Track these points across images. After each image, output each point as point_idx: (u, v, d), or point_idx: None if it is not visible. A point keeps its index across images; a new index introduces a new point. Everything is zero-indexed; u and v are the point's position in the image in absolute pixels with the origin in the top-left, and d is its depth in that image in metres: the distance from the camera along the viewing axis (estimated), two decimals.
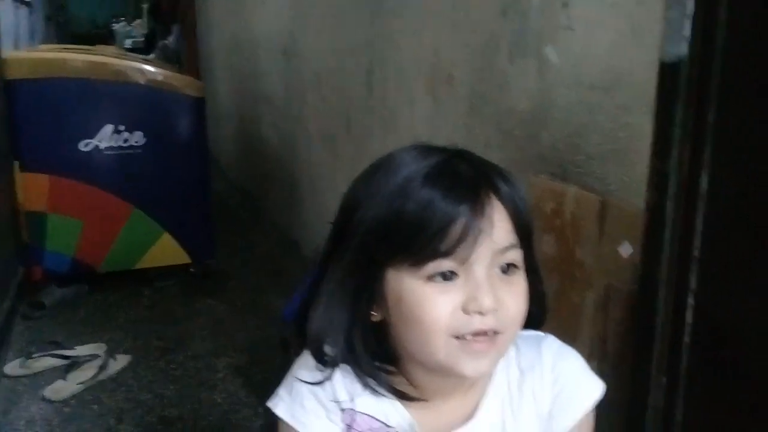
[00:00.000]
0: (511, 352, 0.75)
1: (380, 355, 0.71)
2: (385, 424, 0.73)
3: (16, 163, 2.57)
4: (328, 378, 0.73)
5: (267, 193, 3.63)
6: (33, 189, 2.60)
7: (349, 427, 0.74)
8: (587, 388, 0.76)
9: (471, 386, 0.74)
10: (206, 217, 2.91)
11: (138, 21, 8.22)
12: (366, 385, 0.73)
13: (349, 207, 0.70)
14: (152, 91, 2.70)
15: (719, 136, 0.89)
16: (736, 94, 0.87)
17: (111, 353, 2.30)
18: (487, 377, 0.74)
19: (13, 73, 2.54)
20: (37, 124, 2.57)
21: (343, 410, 0.74)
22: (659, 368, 1.03)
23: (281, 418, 0.76)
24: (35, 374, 2.21)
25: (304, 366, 0.75)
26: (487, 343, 0.65)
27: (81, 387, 2.12)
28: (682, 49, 0.86)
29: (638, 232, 1.04)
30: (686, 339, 1.00)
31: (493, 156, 1.53)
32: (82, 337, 2.45)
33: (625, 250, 1.12)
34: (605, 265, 1.16)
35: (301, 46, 2.82)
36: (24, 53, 3.05)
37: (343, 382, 0.74)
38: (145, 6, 7.30)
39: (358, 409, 0.74)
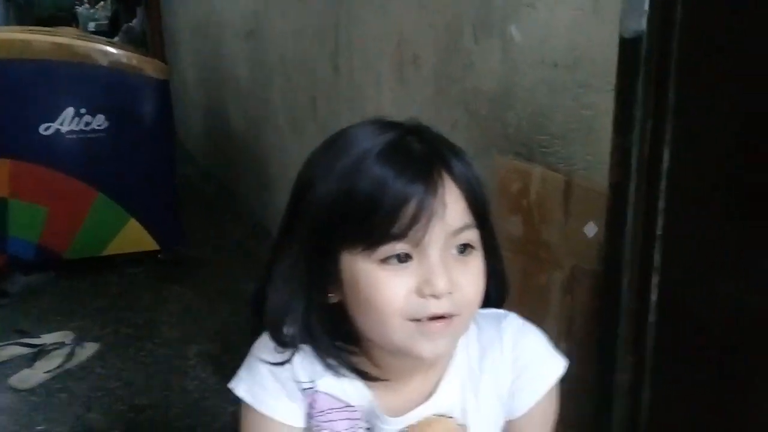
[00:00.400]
0: (472, 330, 0.75)
1: (341, 336, 0.70)
2: (347, 404, 0.73)
3: None
4: (288, 360, 0.72)
5: (236, 177, 3.59)
6: None
7: (310, 406, 0.74)
8: (549, 365, 0.76)
9: (432, 365, 0.73)
10: (173, 202, 2.86)
11: (101, 3, 8.03)
12: (327, 366, 0.72)
13: (302, 185, 0.68)
14: (114, 73, 2.63)
15: (680, 112, 0.89)
16: (696, 69, 0.87)
17: (79, 341, 2.26)
18: (447, 356, 0.74)
19: None
20: None
21: (303, 390, 0.74)
22: (626, 347, 1.04)
23: (242, 398, 0.75)
24: (1, 363, 2.16)
25: (265, 346, 0.74)
26: (444, 325, 0.65)
27: (48, 375, 2.09)
28: (642, 24, 0.86)
29: (603, 212, 1.04)
30: (651, 318, 1.00)
31: (460, 136, 1.53)
32: (48, 325, 2.40)
33: (590, 229, 1.12)
34: (571, 246, 1.16)
35: (266, 28, 2.78)
36: None
37: (303, 363, 0.73)
38: None
39: (319, 389, 0.73)
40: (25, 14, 7.78)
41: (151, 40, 5.05)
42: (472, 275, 0.66)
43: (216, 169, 4.08)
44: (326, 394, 0.73)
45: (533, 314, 1.24)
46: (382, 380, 0.72)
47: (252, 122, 3.17)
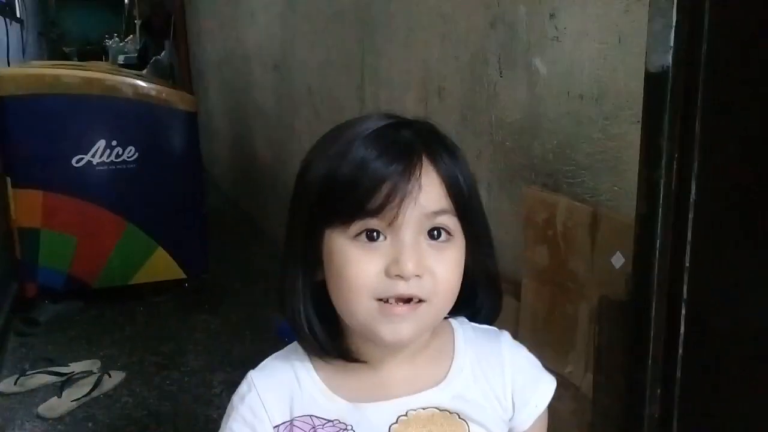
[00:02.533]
0: (471, 338, 0.76)
1: (325, 318, 0.71)
2: (326, 420, 0.72)
3: (8, 179, 2.56)
4: (255, 391, 0.73)
5: (262, 207, 3.63)
6: (25, 205, 2.59)
7: None
8: (545, 381, 0.77)
9: (419, 356, 0.72)
10: (200, 231, 2.90)
11: (131, 37, 8.23)
12: (306, 361, 0.72)
13: (302, 168, 0.71)
14: (144, 105, 2.70)
15: (707, 145, 0.90)
16: (722, 102, 0.88)
17: (106, 370, 2.28)
18: (448, 356, 0.74)
19: (5, 89, 2.54)
20: (29, 140, 2.57)
21: (276, 428, 0.72)
22: (654, 379, 1.03)
23: None
24: (29, 391, 2.19)
25: (244, 386, 0.75)
26: (407, 309, 0.64)
27: (75, 404, 2.11)
28: (667, 59, 0.87)
29: (630, 243, 1.04)
30: (680, 349, 1.00)
31: (485, 166, 1.54)
32: (76, 353, 2.43)
33: (618, 260, 1.12)
34: (598, 276, 1.16)
35: (292, 59, 2.83)
36: (16, 69, 3.05)
37: (275, 395, 0.73)
38: (137, 22, 7.31)
39: (295, 414, 0.72)
40: (57, 47, 8.02)
41: (178, 73, 5.16)
42: (446, 262, 0.66)
43: (241, 198, 4.13)
44: (303, 416, 0.72)
45: (560, 344, 1.25)
46: (363, 361, 0.71)
47: (278, 152, 3.21)
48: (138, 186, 2.71)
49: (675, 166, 0.92)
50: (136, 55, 6.88)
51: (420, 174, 0.64)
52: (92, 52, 7.34)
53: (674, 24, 0.89)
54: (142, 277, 2.81)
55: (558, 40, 1.23)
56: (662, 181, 0.92)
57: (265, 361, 0.77)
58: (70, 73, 2.74)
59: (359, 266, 0.64)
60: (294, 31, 2.79)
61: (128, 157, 2.68)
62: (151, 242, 2.77)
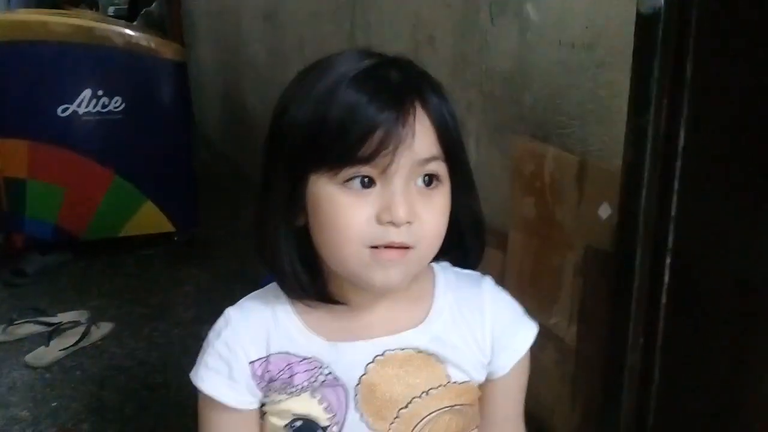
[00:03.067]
0: (452, 282, 0.76)
1: (306, 262, 0.70)
2: (302, 357, 0.72)
3: None
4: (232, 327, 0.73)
5: (252, 160, 3.60)
6: (11, 155, 2.55)
7: (261, 377, 0.73)
8: (526, 327, 0.78)
9: (401, 299, 0.72)
10: (190, 184, 2.87)
11: None
12: (285, 302, 0.72)
13: (279, 108, 0.69)
14: (131, 55, 2.64)
15: (697, 90, 0.88)
16: (714, 47, 0.85)
17: (94, 320, 2.28)
18: (428, 298, 0.74)
19: None
20: (14, 88, 2.51)
21: (252, 363, 0.73)
22: (637, 329, 1.03)
23: (191, 377, 0.77)
24: (17, 340, 2.19)
25: (221, 321, 0.76)
26: (398, 255, 0.64)
27: (63, 353, 2.11)
28: (659, 0, 0.84)
29: (618, 194, 1.03)
30: (663, 299, 0.99)
31: (475, 118, 1.52)
32: (65, 304, 2.43)
33: (604, 211, 1.11)
34: (585, 227, 1.15)
35: (283, 10, 2.77)
36: (1, 16, 2.98)
37: (251, 330, 0.73)
38: None
39: (271, 351, 0.72)
40: None
41: (169, 25, 5.05)
42: (434, 209, 0.66)
43: (232, 152, 4.09)
44: (279, 353, 0.72)
45: (546, 295, 1.24)
46: (343, 303, 0.71)
47: (269, 105, 3.15)
48: (125, 138, 2.67)
49: (664, 112, 0.90)
50: (126, 6, 6.73)
51: (413, 119, 0.63)
52: (81, 2, 7.17)
53: None
54: (130, 229, 2.79)
55: None
56: (650, 128, 0.91)
57: (242, 299, 0.77)
58: (55, 20, 2.67)
59: (350, 213, 0.63)
60: None
61: (114, 108, 2.63)
62: (140, 195, 2.74)
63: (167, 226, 2.83)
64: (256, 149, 2.99)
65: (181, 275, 2.70)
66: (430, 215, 0.65)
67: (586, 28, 1.13)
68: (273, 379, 0.72)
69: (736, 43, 0.85)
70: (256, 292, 0.78)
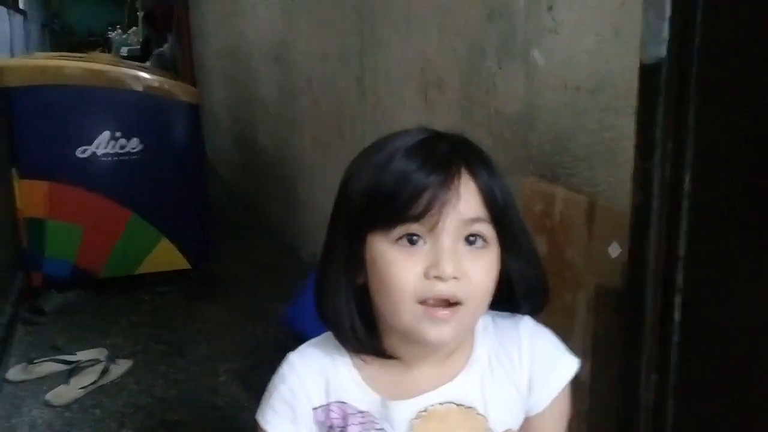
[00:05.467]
0: (490, 327, 0.79)
1: (364, 319, 0.75)
2: (358, 410, 0.76)
3: (14, 170, 2.59)
4: (300, 377, 0.77)
5: (264, 198, 3.65)
6: (31, 195, 2.61)
7: (322, 424, 0.77)
8: (564, 363, 0.81)
9: (448, 356, 0.76)
10: (204, 222, 2.93)
11: (133, 29, 8.23)
12: (346, 351, 0.76)
13: (344, 180, 0.75)
14: (148, 97, 2.72)
15: (700, 136, 0.91)
16: (715, 94, 0.89)
17: (112, 358, 2.31)
18: (467, 348, 0.77)
19: (10, 81, 2.56)
20: (34, 130, 2.59)
21: (315, 410, 0.77)
22: (649, 366, 1.05)
23: (256, 419, 0.80)
24: (37, 379, 2.22)
25: (286, 366, 0.79)
26: (449, 312, 0.68)
27: (83, 392, 2.14)
28: (661, 50, 0.88)
29: (626, 232, 1.06)
30: (675, 337, 1.01)
31: None
32: (83, 342, 2.46)
33: (614, 250, 1.14)
34: (595, 266, 1.18)
35: (293, 52, 2.84)
36: (20, 60, 3.07)
37: (315, 379, 0.77)
38: (140, 14, 7.31)
39: (331, 399, 0.76)
40: (60, 39, 8.03)
41: (181, 65, 5.17)
42: (481, 267, 0.70)
43: (243, 190, 4.15)
44: (337, 402, 0.76)
45: (558, 333, 1.26)
46: (397, 359, 0.75)
47: (280, 144, 3.23)
48: (142, 177, 2.74)
49: (669, 157, 0.94)
50: (139, 47, 6.89)
51: (458, 183, 0.68)
52: (95, 44, 7.34)
53: (668, 16, 0.90)
54: (147, 267, 2.84)
55: (556, 32, 1.24)
56: (656, 172, 0.94)
57: (303, 345, 0.81)
58: (73, 64, 2.76)
59: (401, 268, 0.68)
60: (294, 23, 2.80)
61: (132, 149, 2.70)
62: (156, 233, 2.80)
63: (183, 263, 2.88)
64: (267, 186, 3.05)
65: (196, 312, 2.73)
66: (476, 273, 0.70)
67: (591, 73, 1.17)
68: (332, 426, 0.76)
69: (736, 90, 0.88)
70: (315, 339, 0.81)
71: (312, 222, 2.75)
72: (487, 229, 0.70)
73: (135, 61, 4.73)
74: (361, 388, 0.76)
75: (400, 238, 0.68)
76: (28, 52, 4.32)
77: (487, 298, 0.72)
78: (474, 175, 0.70)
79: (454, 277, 0.68)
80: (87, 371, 2.23)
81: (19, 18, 4.33)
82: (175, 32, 5.25)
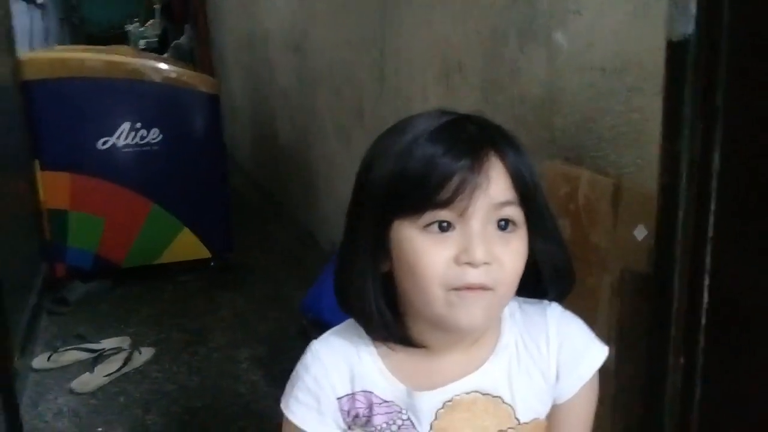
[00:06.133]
0: (516, 314, 0.78)
1: (389, 306, 0.74)
2: (383, 400, 0.75)
3: (37, 162, 2.62)
4: (324, 367, 0.76)
5: (284, 186, 3.66)
6: (54, 187, 2.64)
7: (348, 413, 0.76)
8: (593, 350, 0.80)
9: (474, 342, 0.75)
10: (224, 211, 2.95)
11: (151, 21, 8.26)
12: (372, 339, 0.75)
13: (364, 167, 0.73)
14: (167, 88, 2.73)
15: (729, 115, 0.89)
16: (744, 72, 0.87)
17: (136, 346, 2.34)
18: (494, 336, 0.76)
19: (30, 74, 2.58)
20: (55, 123, 2.61)
21: (339, 399, 0.76)
22: (677, 350, 1.03)
23: (281, 408, 0.79)
24: (62, 368, 2.25)
25: (309, 356, 0.78)
26: (479, 294, 0.67)
27: (107, 379, 2.17)
28: (689, 27, 0.87)
29: (653, 215, 1.04)
30: (703, 320, 1.00)
31: None
32: (107, 331, 2.50)
33: (640, 233, 1.12)
34: (621, 249, 1.16)
35: (312, 40, 2.83)
36: (40, 54, 3.09)
37: (339, 368, 0.76)
38: (157, 6, 7.34)
39: (356, 389, 0.76)
40: (79, 33, 8.08)
41: (199, 56, 5.18)
42: (511, 252, 0.69)
43: (264, 179, 4.16)
44: (362, 392, 0.76)
45: (583, 317, 1.25)
46: (424, 347, 0.74)
47: (299, 132, 3.23)
48: (163, 167, 2.76)
49: (697, 137, 0.92)
50: (156, 39, 6.92)
51: (488, 166, 0.67)
52: (113, 36, 7.38)
53: None
54: (168, 256, 2.86)
55: (579, 13, 1.22)
56: (684, 152, 0.92)
57: (326, 333, 0.80)
58: (93, 57, 2.77)
59: (430, 255, 0.67)
60: (313, 10, 2.79)
61: (153, 139, 2.72)
62: (177, 222, 2.82)
63: (204, 253, 2.90)
64: (286, 176, 3.05)
65: (217, 300, 2.75)
66: (508, 257, 0.68)
67: (616, 53, 1.15)
68: (357, 415, 0.76)
69: (766, 67, 0.86)
70: (338, 327, 0.80)
71: (331, 210, 2.75)
72: (516, 212, 0.69)
73: (153, 53, 4.76)
74: (386, 378, 0.75)
75: (429, 224, 0.67)
76: (48, 46, 4.36)
77: (515, 284, 0.71)
78: (502, 157, 0.68)
79: (486, 263, 0.66)
80: (111, 359, 2.26)
81: (37, 12, 4.36)
82: (193, 24, 5.26)
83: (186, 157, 2.78)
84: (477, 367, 0.75)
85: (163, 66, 2.83)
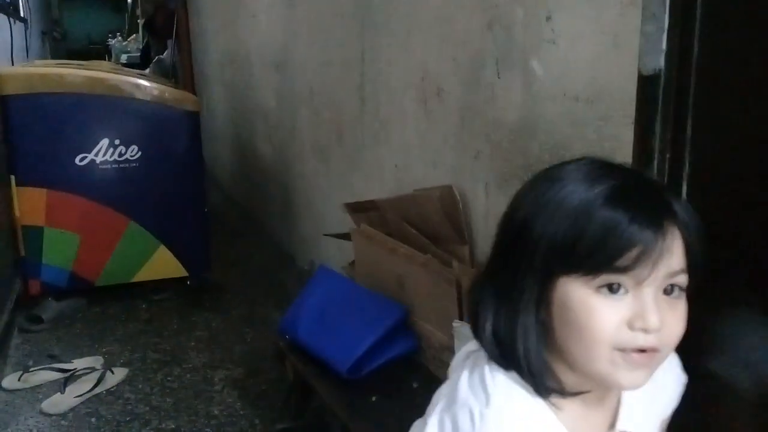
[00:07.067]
0: None
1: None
2: None
3: (13, 178, 2.59)
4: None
5: (262, 206, 3.65)
6: (29, 203, 2.62)
7: None
8: (682, 383, 0.84)
9: (607, 392, 0.76)
10: (202, 230, 2.93)
11: (133, 36, 8.25)
12: (532, 393, 0.72)
13: (522, 220, 0.71)
14: (147, 105, 2.73)
15: (698, 146, 0.92)
16: (713, 104, 0.90)
17: (108, 366, 2.31)
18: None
19: (9, 89, 2.56)
20: (33, 138, 2.59)
21: None
22: None
23: None
24: (33, 388, 2.22)
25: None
26: (647, 358, 0.68)
27: (79, 400, 2.13)
28: (660, 61, 0.89)
29: None
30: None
31: (483, 166, 1.56)
32: (79, 350, 2.46)
33: None
34: None
35: (293, 60, 2.85)
36: (20, 68, 3.07)
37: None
38: (140, 21, 7.34)
39: None
40: (60, 47, 8.05)
41: (181, 72, 5.18)
42: (678, 317, 0.69)
43: (242, 197, 4.15)
44: None
45: None
46: (581, 393, 0.73)
47: (279, 152, 3.23)
48: (141, 185, 2.74)
49: (666, 167, 0.94)
50: (138, 54, 6.91)
51: (672, 238, 0.67)
52: (95, 51, 7.36)
53: (666, 27, 0.91)
54: (144, 274, 2.84)
55: (554, 42, 1.25)
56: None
57: (496, 400, 0.72)
58: (73, 72, 2.76)
59: (603, 317, 0.67)
60: (295, 31, 2.81)
61: (131, 156, 2.71)
62: (154, 240, 2.80)
63: (180, 271, 2.88)
64: (265, 194, 3.03)
65: (193, 320, 2.73)
66: (675, 322, 0.69)
67: (589, 83, 1.18)
68: None
69: (735, 102, 0.89)
70: (497, 390, 0.73)
71: (310, 230, 2.75)
72: (685, 280, 0.70)
73: (135, 68, 4.75)
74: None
75: (602, 286, 0.67)
76: (29, 60, 4.33)
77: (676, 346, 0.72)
78: (680, 226, 0.69)
79: (658, 329, 0.67)
80: (83, 380, 2.22)
81: (20, 26, 4.34)
82: (175, 40, 5.26)
83: (164, 175, 2.77)
84: (613, 415, 0.77)
85: (143, 82, 2.82)
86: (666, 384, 0.81)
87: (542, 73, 1.30)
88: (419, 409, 0.81)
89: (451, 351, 1.49)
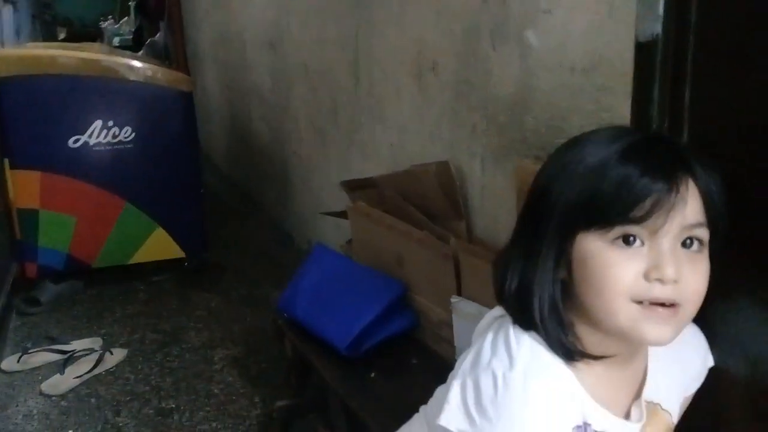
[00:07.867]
0: None
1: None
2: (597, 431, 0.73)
3: (6, 161, 2.57)
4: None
5: (259, 185, 3.64)
6: (24, 186, 2.60)
7: None
8: (708, 361, 0.85)
9: (633, 354, 0.75)
10: (198, 210, 2.91)
11: (125, 18, 8.16)
12: (557, 356, 0.72)
13: (544, 185, 0.73)
14: (140, 86, 2.70)
15: (696, 114, 0.91)
16: (711, 71, 0.89)
17: (107, 347, 2.31)
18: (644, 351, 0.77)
19: (1, 71, 2.54)
20: (26, 121, 2.57)
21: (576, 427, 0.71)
22: None
23: None
24: (32, 369, 2.22)
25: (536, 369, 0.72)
26: (670, 312, 0.68)
27: (78, 381, 2.14)
28: (657, 27, 0.88)
29: None
30: None
31: (479, 141, 1.55)
32: (78, 331, 2.47)
33: None
34: None
35: (288, 38, 2.82)
36: (11, 51, 3.04)
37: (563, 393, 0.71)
38: (131, 3, 7.26)
39: (579, 419, 0.71)
40: (51, 30, 7.96)
41: (174, 54, 5.12)
42: (698, 272, 0.69)
43: (239, 178, 4.14)
44: (583, 424, 0.71)
45: None
46: (605, 357, 0.72)
47: (274, 131, 3.21)
48: (135, 166, 2.72)
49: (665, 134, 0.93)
50: (131, 37, 6.84)
51: (685, 188, 0.67)
52: (87, 34, 7.28)
53: None
54: (141, 256, 2.83)
55: (550, 12, 1.23)
56: None
57: (521, 364, 0.71)
58: (65, 54, 2.73)
59: (619, 268, 0.67)
60: (288, 8, 2.78)
61: (125, 138, 2.69)
62: (150, 221, 2.79)
63: (177, 252, 2.87)
64: (262, 173, 3.01)
65: (191, 300, 2.73)
66: (693, 276, 0.68)
67: (586, 53, 1.16)
68: None
69: (731, 67, 0.88)
70: (519, 352, 0.72)
71: (307, 209, 2.74)
72: (704, 234, 0.70)
73: (127, 50, 4.70)
74: (596, 409, 0.72)
75: (618, 238, 0.68)
76: (20, 43, 4.29)
77: (699, 305, 0.71)
78: (697, 179, 0.69)
79: (674, 280, 0.67)
80: (82, 360, 2.23)
81: (9, 8, 4.29)
82: (168, 21, 5.21)
83: (159, 156, 2.75)
84: (641, 379, 0.77)
85: (136, 63, 2.79)
86: (693, 360, 0.82)
87: (538, 44, 1.28)
88: (418, 385, 0.81)
89: (449, 326, 1.49)
